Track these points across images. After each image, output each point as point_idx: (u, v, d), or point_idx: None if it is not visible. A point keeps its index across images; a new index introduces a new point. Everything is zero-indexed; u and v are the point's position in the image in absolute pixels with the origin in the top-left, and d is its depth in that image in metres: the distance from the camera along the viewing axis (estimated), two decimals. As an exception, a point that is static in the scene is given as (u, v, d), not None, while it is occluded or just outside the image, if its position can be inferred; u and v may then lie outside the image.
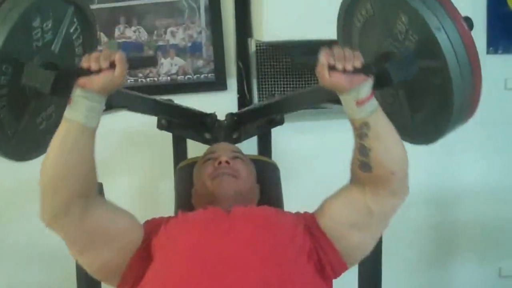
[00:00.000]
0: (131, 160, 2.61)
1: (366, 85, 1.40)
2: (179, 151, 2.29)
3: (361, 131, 1.44)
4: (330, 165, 2.39)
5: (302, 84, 2.60)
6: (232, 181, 1.72)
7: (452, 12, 1.37)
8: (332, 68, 1.37)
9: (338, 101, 1.46)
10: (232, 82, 2.63)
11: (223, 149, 1.85)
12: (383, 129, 1.45)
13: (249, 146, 2.21)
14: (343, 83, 1.39)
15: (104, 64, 1.33)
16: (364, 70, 1.38)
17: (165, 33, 2.52)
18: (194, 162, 1.96)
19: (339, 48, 1.39)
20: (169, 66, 2.56)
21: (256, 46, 2.55)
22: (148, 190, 2.72)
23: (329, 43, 2.32)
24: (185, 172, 2.04)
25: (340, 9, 1.66)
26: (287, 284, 1.43)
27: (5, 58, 1.34)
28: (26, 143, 1.50)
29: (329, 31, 2.21)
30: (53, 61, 1.49)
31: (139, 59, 1.41)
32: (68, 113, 1.36)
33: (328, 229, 1.55)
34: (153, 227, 1.57)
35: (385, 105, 1.55)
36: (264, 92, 2.60)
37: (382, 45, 1.54)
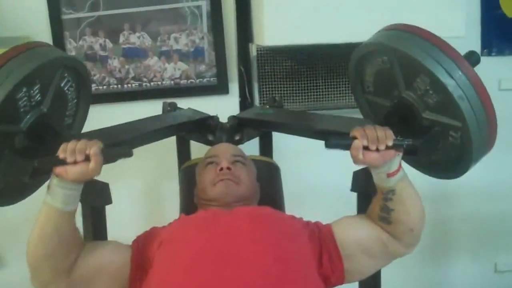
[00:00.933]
0: (136, 162, 2.63)
1: (396, 159, 1.46)
2: (183, 152, 2.31)
3: (386, 195, 1.51)
4: (331, 166, 2.41)
5: (301, 87, 2.64)
6: (233, 187, 1.73)
7: (474, 79, 1.40)
8: (365, 148, 1.42)
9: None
10: (233, 86, 2.64)
11: (224, 153, 1.85)
12: (408, 194, 1.51)
13: (251, 147, 2.22)
14: (376, 162, 1.44)
15: (79, 157, 1.36)
16: (395, 147, 1.43)
17: (168, 38, 2.54)
18: (197, 163, 1.96)
19: (371, 128, 1.43)
20: (172, 71, 2.58)
21: (257, 50, 2.57)
22: (153, 191, 2.73)
23: (329, 47, 2.38)
24: (189, 173, 2.06)
25: (354, 56, 1.69)
26: (288, 280, 1.44)
27: None
28: (9, 194, 1.54)
29: (329, 36, 2.25)
30: (43, 119, 1.52)
31: (115, 151, 1.47)
32: (47, 198, 1.40)
33: (342, 244, 1.58)
34: (144, 239, 1.60)
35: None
36: (265, 95, 2.61)
37: (399, 93, 1.57)
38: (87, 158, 1.37)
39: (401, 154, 1.46)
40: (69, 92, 1.65)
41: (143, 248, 1.56)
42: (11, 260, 2.69)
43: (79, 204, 1.46)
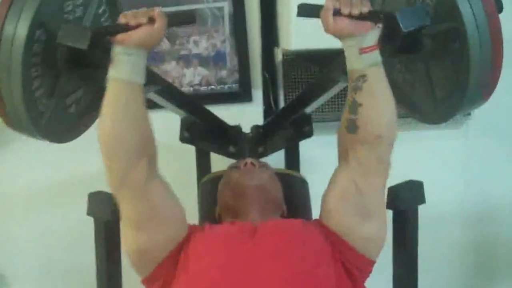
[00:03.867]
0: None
1: (372, 34, 1.38)
2: (203, 165, 2.29)
3: (356, 83, 1.42)
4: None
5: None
6: (257, 172, 1.75)
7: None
8: (337, 13, 1.36)
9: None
10: (257, 93, 2.60)
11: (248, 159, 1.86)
12: (379, 85, 1.42)
13: (277, 160, 2.18)
14: (348, 28, 1.37)
15: (143, 19, 1.35)
16: (371, 16, 1.36)
17: (187, 42, 2.51)
18: (218, 176, 1.93)
19: None
20: (191, 76, 2.54)
21: (283, 55, 2.52)
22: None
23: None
24: (209, 187, 2.02)
25: None
26: None
27: (39, 25, 1.30)
28: (57, 123, 1.48)
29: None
30: None
31: (178, 15, 1.48)
32: (112, 73, 1.38)
33: (335, 226, 1.53)
34: (190, 233, 1.57)
35: (405, 86, 1.55)
36: (291, 103, 2.55)
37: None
38: (150, 21, 1.35)
39: (378, 30, 1.39)
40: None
41: (187, 238, 1.55)
42: (14, 280, 2.68)
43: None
